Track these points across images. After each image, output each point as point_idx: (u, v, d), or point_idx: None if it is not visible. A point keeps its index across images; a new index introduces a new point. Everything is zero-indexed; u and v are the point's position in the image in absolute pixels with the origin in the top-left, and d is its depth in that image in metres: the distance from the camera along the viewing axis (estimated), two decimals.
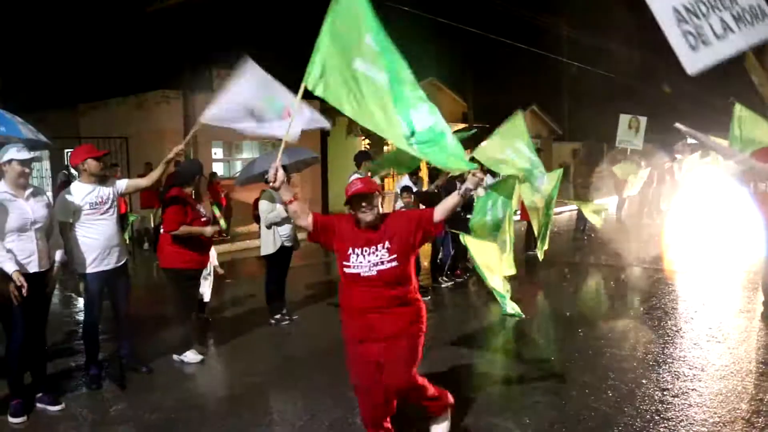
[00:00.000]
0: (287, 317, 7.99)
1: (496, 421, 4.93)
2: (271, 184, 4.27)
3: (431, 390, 4.36)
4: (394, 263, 4.07)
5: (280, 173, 4.26)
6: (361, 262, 4.08)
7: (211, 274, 7.78)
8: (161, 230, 6.49)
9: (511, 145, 7.15)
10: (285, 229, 7.70)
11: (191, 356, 6.45)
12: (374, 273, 4.06)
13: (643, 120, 16.48)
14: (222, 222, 6.90)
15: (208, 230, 6.41)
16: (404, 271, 4.15)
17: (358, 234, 4.17)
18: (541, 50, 25.12)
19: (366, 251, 4.09)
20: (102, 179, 5.83)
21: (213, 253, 7.55)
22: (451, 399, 4.54)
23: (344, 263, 4.15)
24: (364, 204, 4.13)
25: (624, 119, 16.84)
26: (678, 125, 4.77)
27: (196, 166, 6.72)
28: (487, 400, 5.34)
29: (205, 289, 7.69)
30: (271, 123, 5.84)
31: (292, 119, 5.09)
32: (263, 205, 7.72)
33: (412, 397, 4.32)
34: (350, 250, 4.12)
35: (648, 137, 17.00)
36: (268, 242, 7.66)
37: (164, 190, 6.26)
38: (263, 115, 5.87)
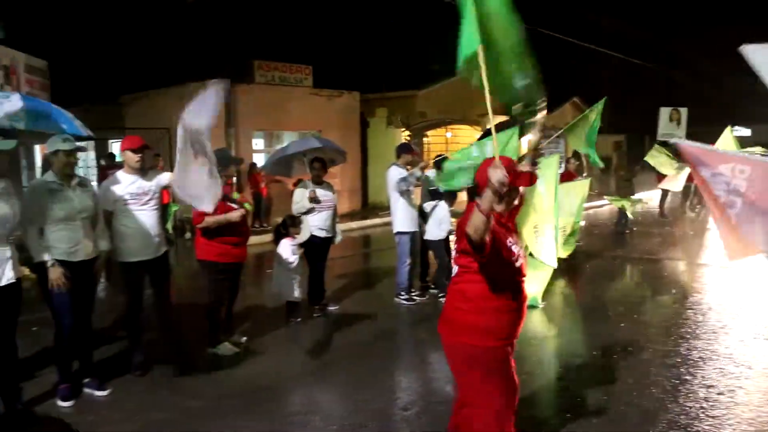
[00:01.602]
0: (327, 308, 8.03)
1: (537, 415, 4.90)
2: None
3: None
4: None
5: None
6: (518, 251, 3.66)
7: (295, 269, 7.46)
8: None
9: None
10: (315, 219, 7.69)
11: (225, 349, 6.48)
12: (523, 263, 3.71)
13: (683, 111, 16.22)
14: (247, 205, 6.86)
15: (235, 215, 6.33)
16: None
17: (498, 225, 3.59)
18: (583, 42, 24.78)
19: (513, 241, 3.65)
20: (142, 171, 5.93)
21: (288, 248, 7.40)
22: None
23: (510, 258, 3.60)
24: (514, 194, 3.71)
25: (665, 111, 16.59)
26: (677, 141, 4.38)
27: (222, 158, 6.58)
28: (528, 394, 5.31)
29: (294, 290, 7.46)
30: None
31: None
32: (295, 195, 7.78)
33: None
34: (509, 242, 3.61)
35: (690, 129, 16.69)
36: (302, 231, 7.69)
37: None
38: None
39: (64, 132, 5.64)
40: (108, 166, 13.58)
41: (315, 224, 7.68)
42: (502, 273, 3.57)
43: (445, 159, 8.65)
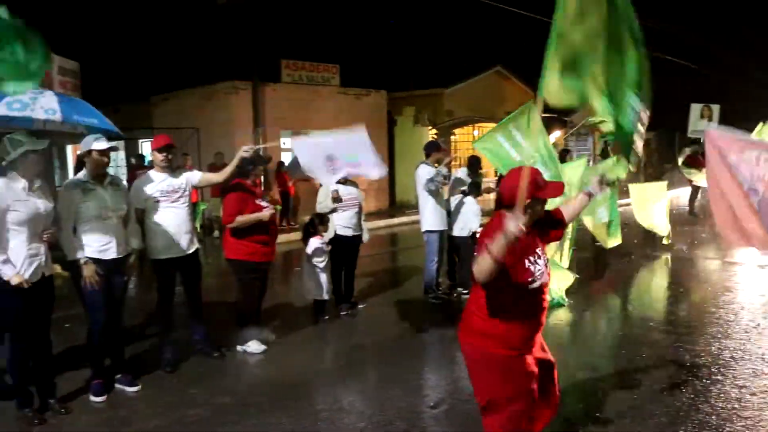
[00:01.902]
0: (354, 307, 8.06)
1: (566, 415, 4.87)
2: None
3: None
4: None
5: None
6: (539, 270, 3.55)
7: (325, 270, 7.52)
8: None
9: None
10: (340, 218, 7.69)
11: (254, 347, 6.51)
12: (545, 279, 3.61)
13: (715, 108, 15.96)
14: (277, 206, 6.91)
15: (265, 214, 6.37)
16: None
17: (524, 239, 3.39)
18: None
19: (535, 257, 3.57)
20: (170, 169, 6.02)
21: (317, 247, 7.38)
22: None
23: (526, 280, 3.48)
24: (540, 206, 3.64)
25: (696, 108, 16.34)
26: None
27: (251, 156, 6.55)
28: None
29: (322, 288, 7.50)
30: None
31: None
32: (319, 194, 7.82)
33: None
34: (527, 262, 3.51)
35: (722, 126, 16.44)
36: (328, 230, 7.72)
37: (225, 182, 6.33)
38: (336, 159, 6.39)
39: (96, 126, 5.76)
40: (137, 166, 13.76)
41: (340, 223, 7.69)
42: (516, 294, 3.49)
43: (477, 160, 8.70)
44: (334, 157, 6.32)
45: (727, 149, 3.83)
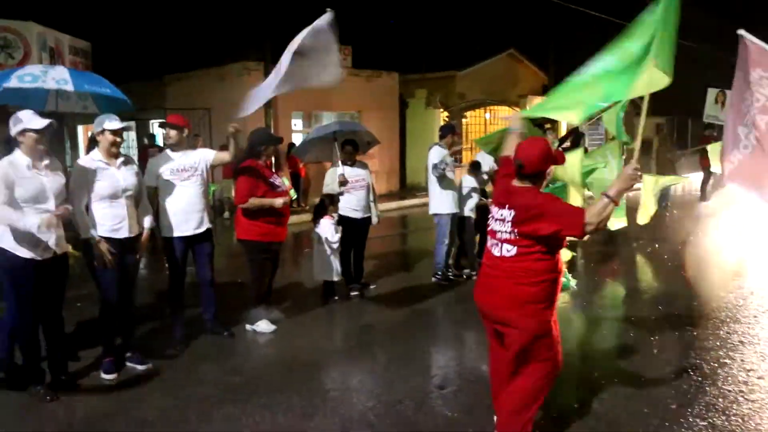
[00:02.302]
0: (364, 288, 8.10)
1: (574, 397, 4.90)
2: None
3: None
4: None
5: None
6: None
7: (336, 251, 7.48)
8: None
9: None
10: (347, 200, 7.70)
11: (264, 326, 6.54)
12: None
13: (729, 94, 15.79)
14: (292, 192, 6.91)
15: (279, 201, 6.36)
16: None
17: None
18: (623, 20, 24.31)
19: None
20: (182, 148, 6.08)
21: (328, 227, 7.38)
22: None
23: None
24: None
25: (711, 93, 16.16)
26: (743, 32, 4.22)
27: (262, 136, 6.64)
28: (564, 377, 5.30)
29: (333, 269, 7.49)
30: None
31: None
32: (327, 176, 7.86)
33: None
34: None
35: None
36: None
37: (238, 162, 6.35)
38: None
39: (108, 95, 5.78)
40: (149, 146, 13.81)
41: (348, 205, 7.70)
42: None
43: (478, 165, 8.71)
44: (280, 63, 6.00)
45: (753, 63, 3.77)
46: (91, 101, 6.31)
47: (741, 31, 3.70)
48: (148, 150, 12.68)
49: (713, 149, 14.93)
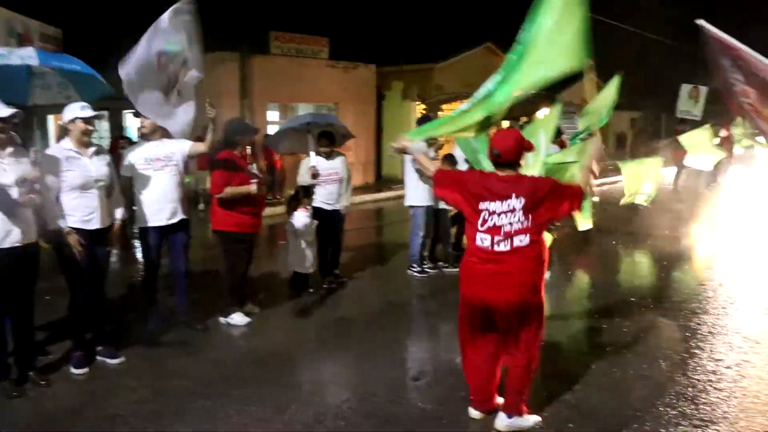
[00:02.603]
0: (338, 280, 8.08)
1: (548, 386, 4.94)
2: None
3: None
4: None
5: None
6: None
7: (310, 243, 7.48)
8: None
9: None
10: (320, 192, 7.65)
11: (238, 319, 6.50)
12: None
13: (703, 90, 15.99)
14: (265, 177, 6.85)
15: (253, 187, 6.32)
16: None
17: None
18: (597, 15, 24.45)
19: None
20: (158, 138, 6.01)
21: (301, 219, 7.35)
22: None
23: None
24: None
25: (685, 89, 16.37)
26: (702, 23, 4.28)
27: (238, 127, 6.59)
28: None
29: (306, 261, 7.48)
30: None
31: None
32: (301, 167, 7.81)
33: None
34: None
35: (708, 108, 16.46)
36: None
37: (213, 153, 6.30)
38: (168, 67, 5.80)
39: (78, 71, 5.65)
40: (119, 137, 13.64)
41: (320, 197, 7.65)
42: None
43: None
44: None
45: (724, 51, 3.81)
46: (73, 90, 6.17)
47: (700, 22, 3.74)
48: (118, 142, 12.51)
49: (687, 140, 15.11)
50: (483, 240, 4.01)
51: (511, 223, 3.94)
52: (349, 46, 20.84)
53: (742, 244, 10.84)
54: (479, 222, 4.02)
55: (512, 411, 4.25)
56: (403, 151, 4.72)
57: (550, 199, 3.95)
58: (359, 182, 19.75)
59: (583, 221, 8.88)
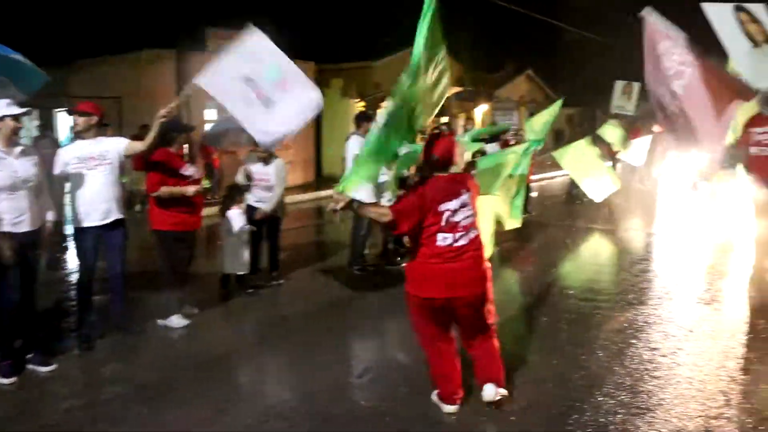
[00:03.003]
0: (276, 279, 7.98)
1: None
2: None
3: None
4: None
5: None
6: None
7: (245, 243, 7.38)
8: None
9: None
10: (253, 194, 7.57)
11: (176, 321, 6.37)
12: None
13: (636, 86, 16.37)
14: (206, 182, 6.76)
15: (191, 190, 6.25)
16: None
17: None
18: (536, 13, 24.86)
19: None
20: (92, 136, 5.82)
21: (238, 216, 7.30)
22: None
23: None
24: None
25: (619, 85, 16.76)
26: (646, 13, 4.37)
27: (174, 125, 6.45)
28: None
29: (242, 261, 7.39)
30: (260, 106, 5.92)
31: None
32: (239, 171, 7.74)
33: None
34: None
35: (640, 102, 16.90)
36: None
37: (149, 152, 6.17)
38: (257, 83, 5.86)
39: (18, 62, 5.42)
40: (41, 137, 13.21)
41: (253, 198, 7.57)
42: None
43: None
44: (252, 78, 5.95)
45: (661, 36, 3.88)
46: (14, 89, 5.89)
47: (645, 12, 3.82)
48: (38, 142, 12.05)
49: (608, 131, 15.35)
50: (445, 239, 4.21)
51: (466, 217, 4.27)
52: (288, 44, 20.64)
53: (677, 236, 11.15)
54: (442, 221, 4.21)
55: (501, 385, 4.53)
56: (347, 209, 4.52)
57: (477, 189, 4.51)
58: (299, 180, 19.63)
59: (511, 221, 8.98)
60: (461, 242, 4.23)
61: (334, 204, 4.45)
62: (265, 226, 7.72)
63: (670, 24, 3.94)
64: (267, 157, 7.52)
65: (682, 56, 3.79)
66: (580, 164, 11.53)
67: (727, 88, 3.81)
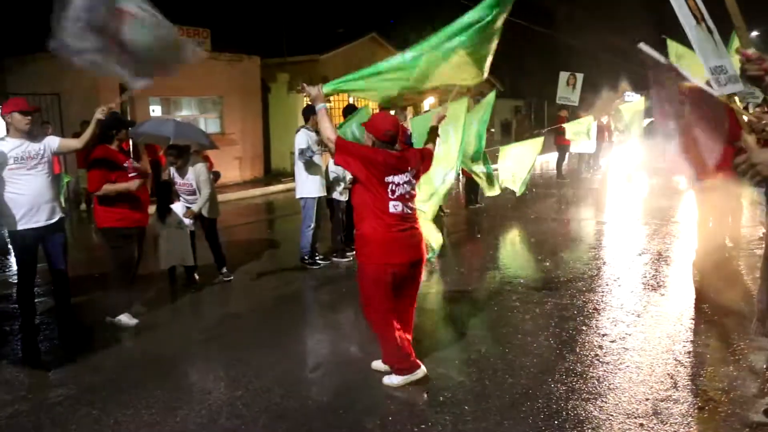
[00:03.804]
0: (224, 274, 7.90)
1: (441, 371, 4.99)
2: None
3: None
4: None
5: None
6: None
7: (188, 235, 7.33)
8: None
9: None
10: (181, 197, 7.51)
11: (125, 320, 6.24)
12: None
13: (579, 77, 16.70)
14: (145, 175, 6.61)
15: (134, 185, 6.13)
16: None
17: None
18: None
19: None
20: (30, 135, 5.62)
21: (180, 210, 7.27)
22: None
23: None
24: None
25: (563, 76, 17.03)
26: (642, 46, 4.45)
27: (112, 121, 6.23)
28: (430, 350, 5.39)
29: (188, 252, 7.33)
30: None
31: None
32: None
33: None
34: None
35: (584, 94, 17.22)
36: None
37: (88, 150, 6.01)
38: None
39: None
40: None
41: (183, 202, 7.50)
42: None
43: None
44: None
45: (662, 69, 3.85)
46: None
47: (641, 45, 3.82)
48: None
49: (571, 128, 15.73)
50: (396, 206, 4.52)
51: (409, 191, 4.61)
52: (232, 38, 20.39)
53: (624, 224, 11.37)
54: (388, 192, 4.50)
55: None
56: (310, 95, 4.87)
57: (425, 165, 4.89)
58: (247, 176, 19.44)
59: (491, 189, 9.38)
60: (407, 211, 4.59)
61: (309, 87, 4.87)
62: (200, 227, 7.66)
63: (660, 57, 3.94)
64: (182, 165, 7.37)
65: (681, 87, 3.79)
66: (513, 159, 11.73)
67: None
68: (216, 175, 8.59)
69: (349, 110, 8.66)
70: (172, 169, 7.44)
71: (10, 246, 5.80)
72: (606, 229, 11.11)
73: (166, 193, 7.28)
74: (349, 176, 8.56)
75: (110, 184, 6.04)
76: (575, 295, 6.93)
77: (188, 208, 7.35)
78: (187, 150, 7.45)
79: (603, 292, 7.06)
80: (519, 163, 11.33)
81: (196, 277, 7.67)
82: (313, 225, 8.37)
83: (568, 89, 17.07)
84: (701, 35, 3.05)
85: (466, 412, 4.36)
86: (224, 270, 7.92)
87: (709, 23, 3.05)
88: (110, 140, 6.11)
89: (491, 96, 9.56)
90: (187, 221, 7.16)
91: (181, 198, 7.45)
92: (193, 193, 7.45)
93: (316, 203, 8.32)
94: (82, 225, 12.73)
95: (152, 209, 7.02)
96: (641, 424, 4.11)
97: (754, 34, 21.39)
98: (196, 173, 7.41)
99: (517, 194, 11.38)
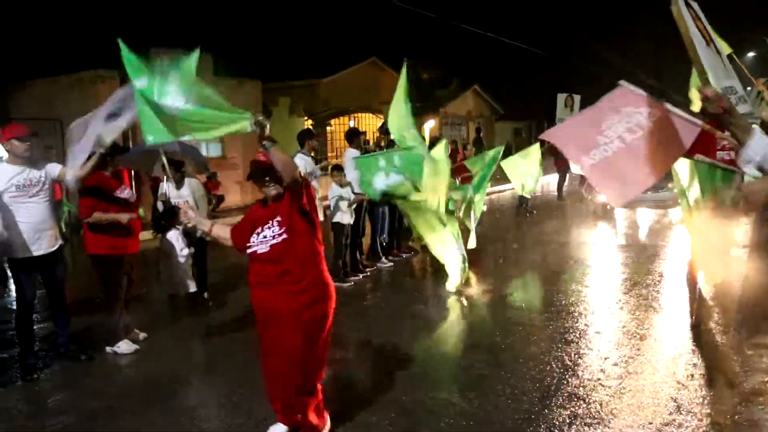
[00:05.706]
0: (207, 303, 7.87)
1: (443, 396, 4.96)
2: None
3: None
4: (284, 236, 4.08)
5: (190, 213, 4.71)
6: (256, 240, 4.18)
7: (186, 260, 7.35)
8: None
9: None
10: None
11: (125, 347, 6.20)
12: (267, 248, 4.12)
13: (577, 98, 16.81)
14: (141, 210, 6.60)
15: (124, 217, 6.07)
16: (293, 245, 4.10)
17: (261, 212, 4.25)
18: (481, 30, 25.21)
19: (263, 228, 4.16)
20: (31, 161, 5.63)
21: (177, 237, 7.27)
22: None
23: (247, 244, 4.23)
24: (267, 178, 4.19)
25: (561, 98, 17.15)
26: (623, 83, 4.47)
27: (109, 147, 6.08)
28: (432, 375, 5.37)
29: (185, 280, 7.35)
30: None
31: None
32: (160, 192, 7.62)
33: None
34: (252, 230, 4.19)
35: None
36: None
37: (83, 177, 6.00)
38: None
39: None
40: None
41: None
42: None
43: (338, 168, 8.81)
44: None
45: (627, 103, 3.88)
46: None
47: (622, 82, 3.87)
48: None
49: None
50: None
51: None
52: (234, 63, 20.52)
53: (625, 246, 11.35)
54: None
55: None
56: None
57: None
58: (248, 200, 19.44)
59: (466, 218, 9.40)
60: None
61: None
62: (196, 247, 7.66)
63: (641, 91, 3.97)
64: (179, 179, 7.38)
65: (640, 121, 3.80)
66: (520, 169, 11.93)
67: (674, 149, 3.82)
68: (220, 199, 8.60)
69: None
70: (167, 186, 7.41)
71: (9, 273, 5.77)
72: (607, 251, 11.07)
73: (170, 219, 7.22)
74: (351, 195, 8.62)
75: (100, 213, 5.98)
76: (577, 318, 6.91)
77: (186, 235, 7.34)
78: (182, 164, 7.48)
79: (604, 314, 7.04)
80: (526, 171, 11.60)
81: (206, 296, 7.69)
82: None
83: (566, 110, 17.17)
84: (711, 56, 3.09)
85: None
86: (206, 294, 7.90)
87: (718, 45, 3.10)
88: (104, 166, 6.07)
89: (497, 151, 9.81)
90: (179, 249, 7.14)
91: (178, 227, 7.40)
92: (191, 208, 7.41)
93: None
94: (83, 252, 12.70)
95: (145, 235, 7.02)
96: None
97: (751, 54, 21.46)
98: (192, 188, 7.45)
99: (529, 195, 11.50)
